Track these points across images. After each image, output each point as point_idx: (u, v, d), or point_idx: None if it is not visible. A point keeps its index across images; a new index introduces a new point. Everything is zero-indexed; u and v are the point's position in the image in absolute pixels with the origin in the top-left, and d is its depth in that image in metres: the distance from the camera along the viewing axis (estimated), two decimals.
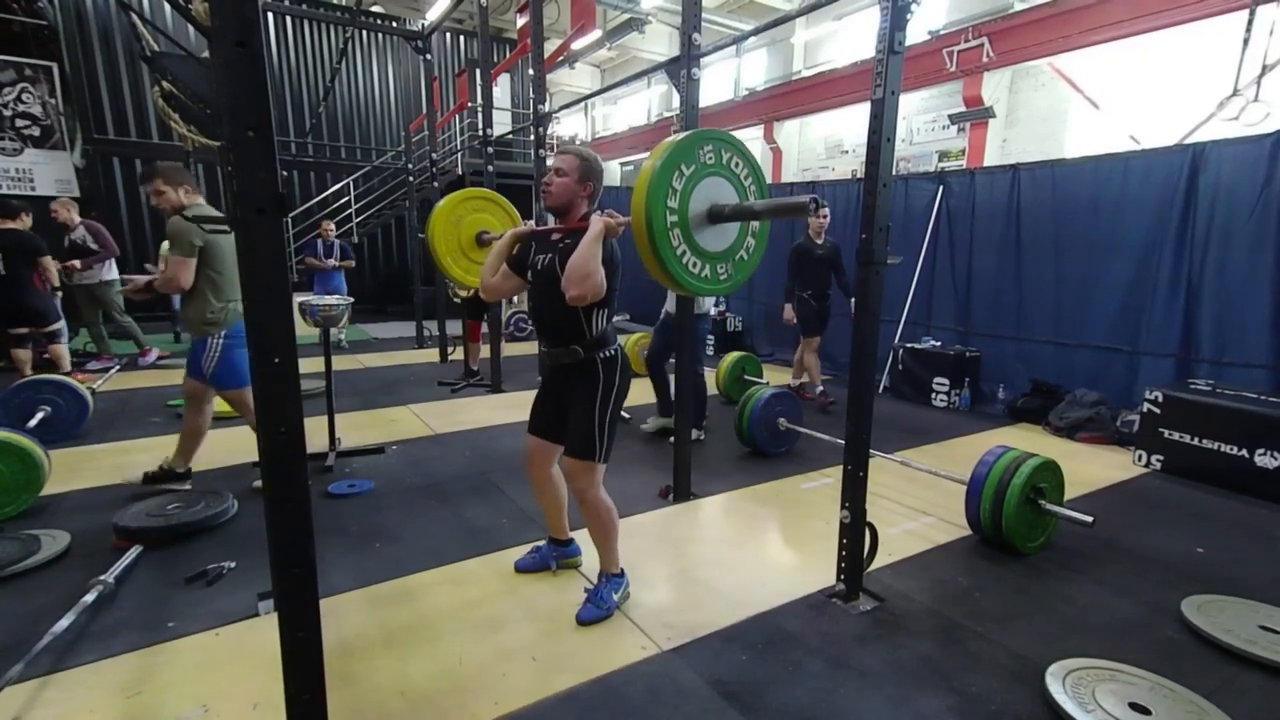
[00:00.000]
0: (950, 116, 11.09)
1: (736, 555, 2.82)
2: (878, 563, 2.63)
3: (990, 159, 10.31)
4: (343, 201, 10.56)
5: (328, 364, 3.93)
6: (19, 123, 8.12)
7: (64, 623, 2.16)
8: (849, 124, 13.33)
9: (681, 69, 2.96)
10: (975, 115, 10.44)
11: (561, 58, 18.16)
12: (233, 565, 2.67)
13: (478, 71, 5.70)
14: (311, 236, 8.52)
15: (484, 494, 3.48)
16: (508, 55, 10.22)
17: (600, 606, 2.33)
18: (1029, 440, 4.54)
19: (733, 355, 5.49)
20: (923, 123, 12.42)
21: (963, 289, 5.67)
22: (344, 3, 11.47)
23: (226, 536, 2.96)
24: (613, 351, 2.27)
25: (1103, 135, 8.79)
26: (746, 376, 5.33)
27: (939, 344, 5.63)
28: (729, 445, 4.21)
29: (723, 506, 3.38)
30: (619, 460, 3.98)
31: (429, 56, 6.57)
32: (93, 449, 4.20)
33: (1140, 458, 4.03)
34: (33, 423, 4.12)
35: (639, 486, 3.53)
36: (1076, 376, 4.91)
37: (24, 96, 8.08)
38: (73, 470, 3.73)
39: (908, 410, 5.36)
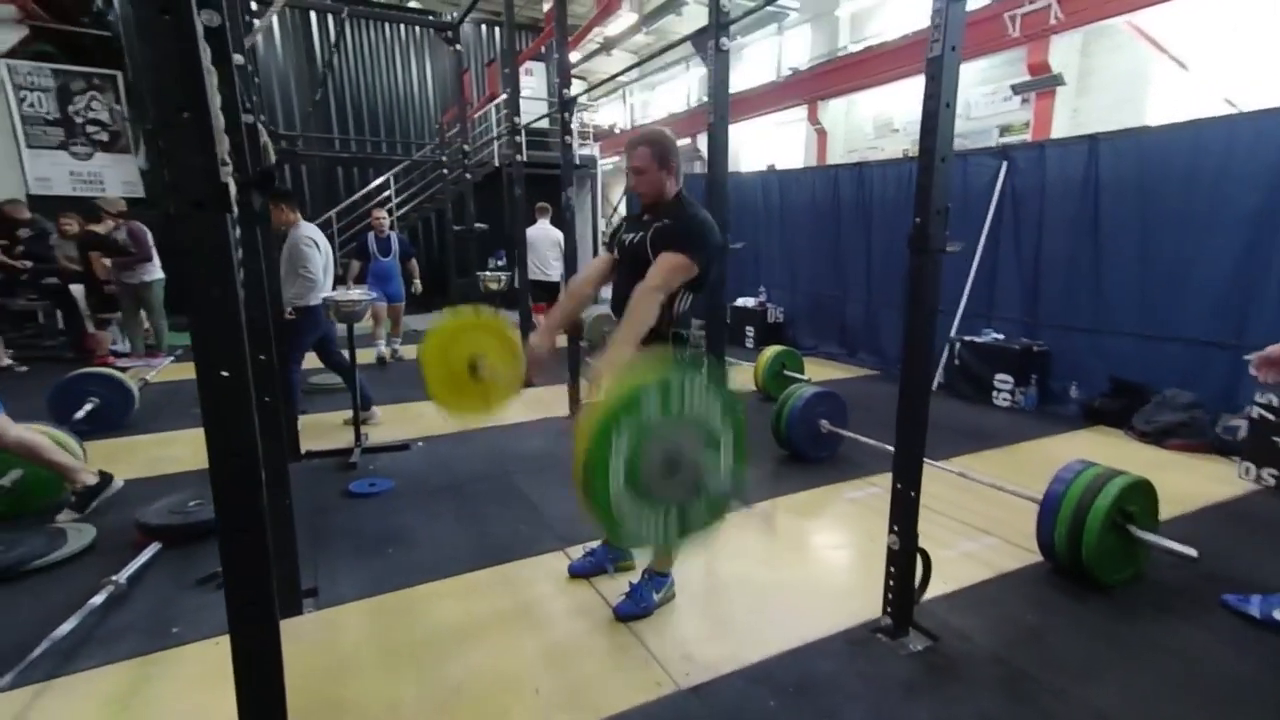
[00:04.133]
0: (1013, 87, 10.30)
1: (768, 575, 2.57)
2: (932, 591, 2.34)
3: (1059, 131, 9.52)
4: (384, 195, 10.62)
5: (352, 358, 3.86)
6: (89, 129, 8.46)
7: (66, 627, 2.11)
8: (899, 101, 12.61)
9: (709, 39, 2.69)
10: (1041, 84, 9.66)
11: (598, 45, 17.88)
12: None
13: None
14: (361, 228, 8.35)
15: (503, 497, 3.33)
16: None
17: (638, 604, 2.25)
18: (1108, 446, 4.11)
19: (772, 349, 5.18)
20: (981, 95, 11.64)
21: (1030, 276, 5.19)
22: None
23: None
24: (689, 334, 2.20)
25: (1192, 100, 7.95)
26: (786, 372, 5.03)
27: (1002, 337, 5.18)
28: (765, 447, 3.92)
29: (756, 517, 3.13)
30: None
31: (459, 47, 6.43)
32: (135, 440, 4.26)
33: (1247, 471, 3.53)
34: (80, 414, 4.19)
35: None
36: (1166, 374, 4.34)
37: (93, 104, 8.40)
38: (113, 461, 3.73)
39: (965, 410, 4.96)
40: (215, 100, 1.27)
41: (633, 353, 1.89)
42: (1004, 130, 11.46)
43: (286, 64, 11.14)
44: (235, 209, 1.14)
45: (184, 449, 4.03)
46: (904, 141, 12.91)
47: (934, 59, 1.83)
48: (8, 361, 6.13)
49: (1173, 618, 2.30)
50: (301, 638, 2.20)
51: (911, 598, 2.17)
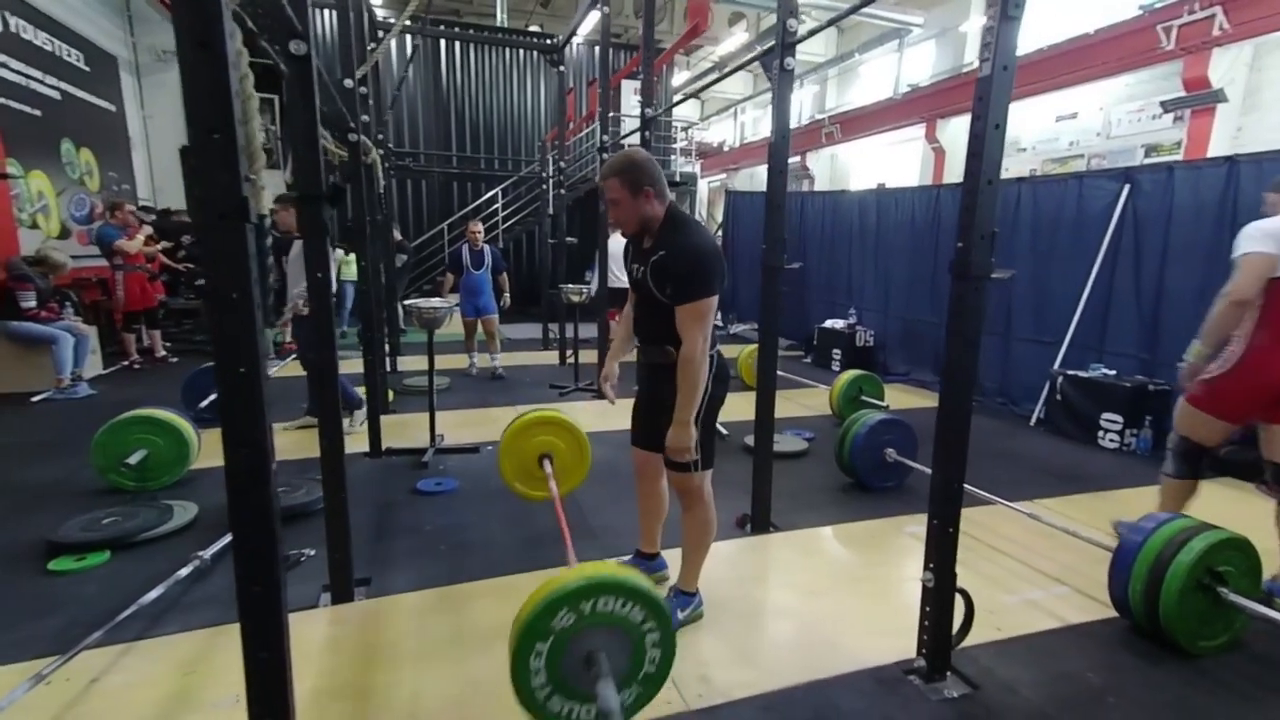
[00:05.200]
0: (1163, 104, 9.36)
1: (806, 604, 2.47)
2: (982, 637, 2.19)
3: (1219, 152, 8.47)
4: (493, 209, 11.29)
5: (430, 364, 4.11)
6: None
7: (153, 594, 2.35)
8: (1028, 118, 11.82)
9: (774, 59, 2.66)
10: (1198, 100, 8.70)
11: (713, 64, 17.95)
12: (311, 553, 2.82)
13: (621, 81, 5.71)
14: (457, 243, 8.87)
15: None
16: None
17: None
18: (1231, 501, 3.61)
19: (850, 373, 4.97)
20: (1125, 112, 10.69)
21: (1150, 308, 4.66)
22: (501, 23, 12.30)
23: (316, 524, 3.12)
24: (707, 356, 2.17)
25: None
26: (864, 397, 4.80)
27: (1113, 373, 4.68)
28: (829, 473, 3.78)
29: (805, 544, 3.01)
30: None
31: (563, 69, 6.73)
32: None
33: None
34: (204, 404, 4.71)
35: (717, 511, 3.26)
36: None
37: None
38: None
39: (1065, 449, 4.52)
40: (255, 122, 1.43)
41: (692, 418, 2.05)
42: (1150, 150, 10.43)
43: (416, 86, 12.13)
44: (255, 219, 1.27)
45: (285, 439, 4.43)
46: (1032, 160, 12.06)
47: (984, 79, 1.73)
48: (161, 352, 7.03)
49: (1267, 694, 1.99)
50: (348, 622, 2.37)
51: (948, 640, 2.01)
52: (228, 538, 2.85)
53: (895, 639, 2.21)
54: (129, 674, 2.05)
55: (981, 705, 1.93)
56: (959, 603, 2.03)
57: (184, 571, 2.53)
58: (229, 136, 1.20)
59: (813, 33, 2.83)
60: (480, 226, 6.43)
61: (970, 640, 2.13)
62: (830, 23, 2.85)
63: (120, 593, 2.44)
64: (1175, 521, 2.21)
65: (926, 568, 2.00)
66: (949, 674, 2.04)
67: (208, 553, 2.68)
